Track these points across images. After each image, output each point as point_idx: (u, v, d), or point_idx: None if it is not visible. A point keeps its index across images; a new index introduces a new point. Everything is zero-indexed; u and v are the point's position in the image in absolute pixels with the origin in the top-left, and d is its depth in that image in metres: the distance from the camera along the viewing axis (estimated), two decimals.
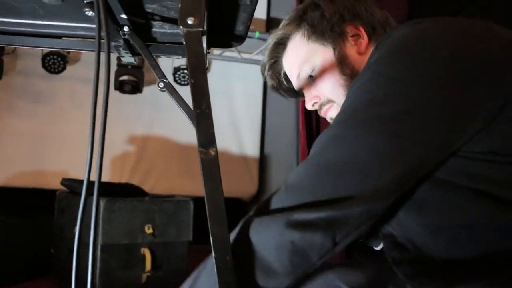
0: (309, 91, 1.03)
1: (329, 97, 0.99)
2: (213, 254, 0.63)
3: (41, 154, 4.30)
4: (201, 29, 0.63)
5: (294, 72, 1.04)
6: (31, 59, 4.28)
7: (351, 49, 0.96)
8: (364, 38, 0.96)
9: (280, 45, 1.06)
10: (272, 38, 1.06)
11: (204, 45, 0.82)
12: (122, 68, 4.34)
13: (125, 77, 4.40)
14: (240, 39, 0.93)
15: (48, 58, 4.14)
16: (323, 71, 0.97)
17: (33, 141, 4.31)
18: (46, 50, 4.07)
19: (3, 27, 0.81)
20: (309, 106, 1.03)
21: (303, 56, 1.00)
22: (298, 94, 1.12)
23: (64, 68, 4.21)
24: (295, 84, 1.07)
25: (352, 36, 0.97)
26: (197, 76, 0.63)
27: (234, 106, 5.06)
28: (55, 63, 4.17)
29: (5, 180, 4.17)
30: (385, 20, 1.00)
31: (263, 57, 1.11)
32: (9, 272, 2.76)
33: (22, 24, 0.80)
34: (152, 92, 4.49)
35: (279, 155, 5.11)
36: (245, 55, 4.49)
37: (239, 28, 0.88)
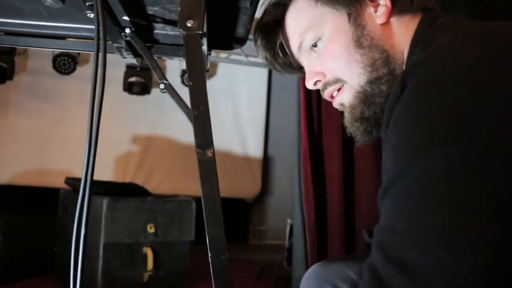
0: (312, 66, 0.85)
1: (338, 75, 0.81)
2: (209, 253, 0.64)
3: (46, 153, 4.34)
4: (200, 32, 0.64)
5: (294, 41, 0.85)
6: (42, 59, 4.32)
7: (370, 17, 0.79)
8: (387, 4, 0.78)
9: (280, 7, 0.87)
10: None
11: (205, 48, 0.83)
12: (131, 69, 4.36)
13: (133, 79, 4.43)
14: (242, 41, 0.94)
15: (58, 59, 4.18)
16: (332, 42, 0.80)
17: (38, 140, 4.34)
18: (57, 51, 4.10)
19: (9, 28, 0.82)
20: (310, 85, 0.86)
21: (308, 21, 0.82)
22: (296, 70, 0.95)
23: (74, 69, 4.25)
24: (295, 56, 0.88)
25: (371, 0, 0.79)
26: (195, 78, 0.64)
27: (239, 107, 5.08)
28: (65, 64, 4.20)
29: (10, 178, 4.20)
30: None
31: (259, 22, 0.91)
32: (13, 270, 2.79)
33: (27, 25, 0.81)
34: (159, 93, 4.47)
35: (282, 156, 5.13)
36: (251, 58, 4.51)
37: (240, 30, 0.89)
